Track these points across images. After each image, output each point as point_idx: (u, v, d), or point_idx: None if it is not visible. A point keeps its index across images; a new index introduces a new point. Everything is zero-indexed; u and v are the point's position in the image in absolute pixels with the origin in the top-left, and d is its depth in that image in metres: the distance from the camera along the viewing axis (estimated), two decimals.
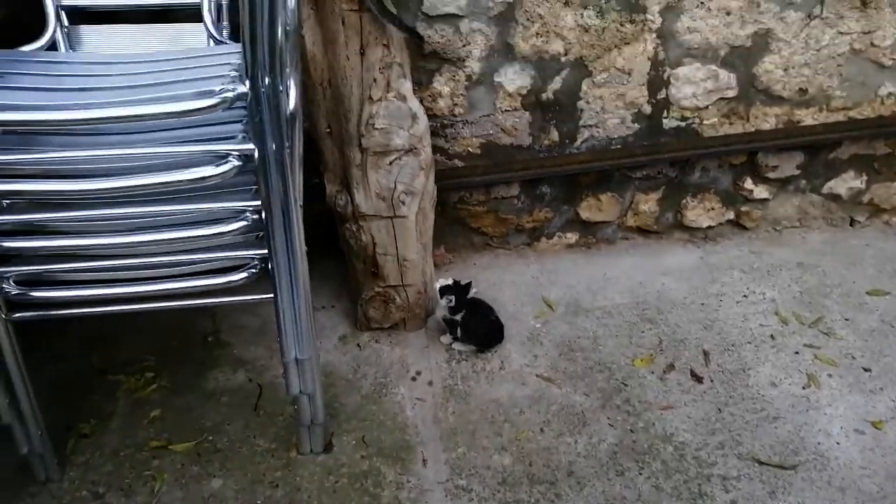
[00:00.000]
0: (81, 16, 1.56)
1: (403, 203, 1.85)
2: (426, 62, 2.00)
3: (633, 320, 2.12)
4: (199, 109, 1.14)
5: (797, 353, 1.99)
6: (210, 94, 1.16)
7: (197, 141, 1.23)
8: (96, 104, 1.14)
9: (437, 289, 1.88)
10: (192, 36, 1.57)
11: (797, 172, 2.36)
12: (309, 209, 1.37)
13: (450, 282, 1.89)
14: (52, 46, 1.49)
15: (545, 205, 2.31)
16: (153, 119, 1.14)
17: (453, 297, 1.87)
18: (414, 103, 1.77)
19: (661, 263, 2.37)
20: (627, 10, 2.01)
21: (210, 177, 1.21)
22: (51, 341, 1.92)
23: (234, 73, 1.26)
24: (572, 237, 2.40)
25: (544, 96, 2.11)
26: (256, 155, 1.24)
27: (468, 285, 1.90)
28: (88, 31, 1.54)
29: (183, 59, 1.40)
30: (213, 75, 1.27)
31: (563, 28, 2.01)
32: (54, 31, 1.48)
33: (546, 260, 2.38)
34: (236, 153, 1.24)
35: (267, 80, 1.18)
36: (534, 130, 2.16)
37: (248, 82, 1.18)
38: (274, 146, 1.24)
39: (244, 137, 1.27)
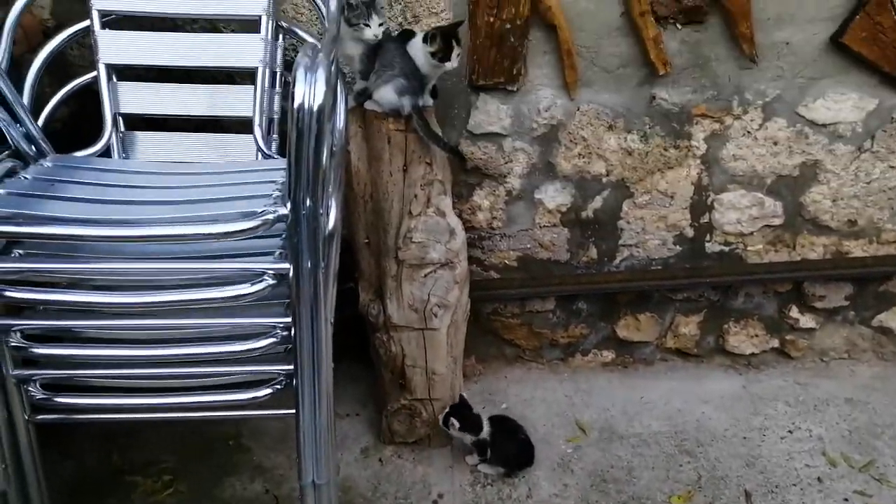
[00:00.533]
0: (137, 122, 1.61)
1: (436, 315, 1.82)
2: (468, 176, 2.02)
3: (670, 451, 2.01)
4: (239, 231, 1.15)
5: (846, 500, 1.85)
6: (251, 215, 1.17)
7: (233, 256, 1.23)
8: (139, 221, 1.15)
9: (441, 416, 1.84)
10: (241, 147, 1.61)
11: (845, 303, 2.27)
12: (340, 312, 1.35)
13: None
14: (107, 151, 1.54)
15: (581, 321, 2.26)
16: (193, 240, 1.15)
17: (457, 422, 1.80)
18: (453, 219, 1.78)
19: (702, 389, 2.28)
20: (672, 135, 2.02)
21: (244, 295, 1.21)
22: (69, 437, 1.90)
23: (277, 193, 1.28)
24: (608, 355, 2.33)
25: (584, 214, 2.10)
26: (291, 274, 1.24)
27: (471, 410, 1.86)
28: (143, 138, 1.59)
29: (229, 172, 1.43)
30: (257, 194, 1.28)
31: (606, 150, 2.02)
32: (110, 137, 1.53)
33: (580, 377, 2.30)
34: (272, 272, 1.24)
35: (308, 202, 1.19)
36: (572, 247, 2.14)
37: (289, 204, 1.19)
38: (309, 264, 1.23)
39: (281, 255, 1.27)
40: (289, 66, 1.79)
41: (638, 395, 2.24)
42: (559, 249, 2.14)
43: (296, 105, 1.11)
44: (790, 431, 2.08)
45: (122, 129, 1.58)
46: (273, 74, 1.62)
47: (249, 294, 1.21)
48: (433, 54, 1.63)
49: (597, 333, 2.30)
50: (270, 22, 1.56)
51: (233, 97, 1.60)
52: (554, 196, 2.06)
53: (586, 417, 2.12)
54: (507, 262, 2.14)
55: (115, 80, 1.55)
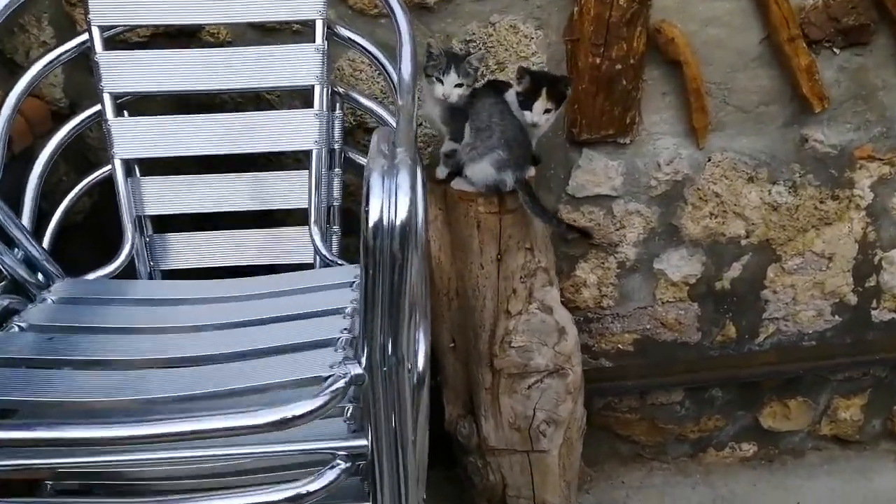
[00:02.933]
0: (167, 220, 1.30)
1: (544, 435, 1.44)
2: (568, 247, 1.64)
3: None
4: (297, 418, 0.81)
5: None
6: (314, 385, 0.83)
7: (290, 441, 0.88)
8: (163, 409, 0.83)
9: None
10: (295, 243, 1.28)
11: None
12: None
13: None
14: (131, 263, 1.24)
15: (715, 411, 1.84)
16: (237, 433, 0.81)
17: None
18: (562, 315, 1.40)
19: (869, 487, 1.82)
20: (829, 185, 1.59)
21: (308, 494, 0.86)
22: None
23: (346, 335, 0.93)
24: (749, 448, 1.90)
25: (718, 285, 1.69)
26: (369, 451, 0.89)
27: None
28: (174, 241, 1.29)
29: (282, 295, 1.10)
30: (320, 338, 0.94)
31: (746, 207, 1.61)
32: (132, 249, 1.22)
33: (716, 478, 1.87)
34: (343, 452, 0.89)
35: (389, 351, 0.84)
36: (703, 325, 1.73)
37: (364, 360, 0.84)
38: (395, 436, 0.89)
39: (352, 423, 0.92)
40: (349, 133, 1.46)
41: (791, 498, 1.80)
42: (687, 329, 1.73)
43: (370, 224, 0.77)
44: None
45: (150, 231, 1.28)
46: (330, 153, 1.29)
47: (315, 492, 0.87)
48: (518, 94, 1.29)
49: (734, 423, 1.87)
50: (325, 91, 1.22)
51: (282, 183, 1.28)
52: (679, 265, 1.66)
53: None
54: (620, 346, 1.74)
55: (137, 174, 1.25)
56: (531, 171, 1.33)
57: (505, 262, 1.34)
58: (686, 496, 1.82)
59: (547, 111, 1.29)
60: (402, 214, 0.79)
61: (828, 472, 1.88)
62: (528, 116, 1.29)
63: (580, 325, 1.71)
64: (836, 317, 1.74)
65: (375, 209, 0.79)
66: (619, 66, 1.44)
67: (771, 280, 1.69)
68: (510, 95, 1.31)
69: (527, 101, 1.28)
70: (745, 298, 1.71)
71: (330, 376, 0.84)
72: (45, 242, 1.20)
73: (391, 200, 0.80)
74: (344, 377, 0.84)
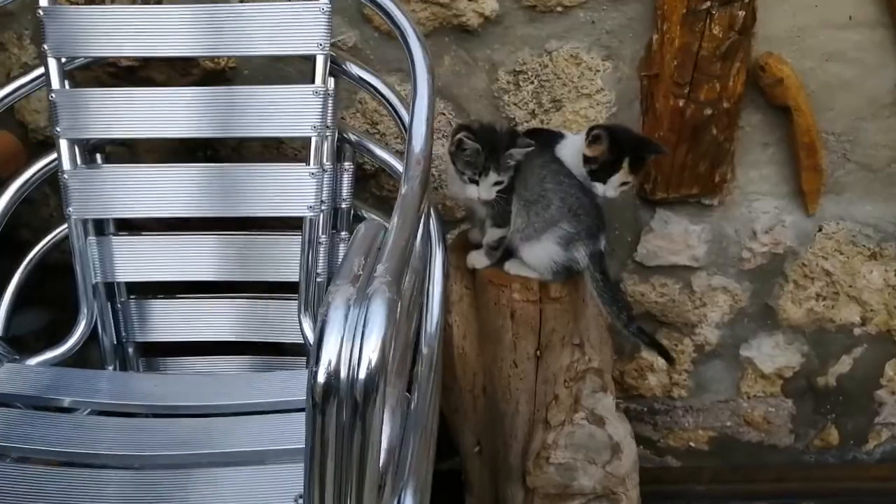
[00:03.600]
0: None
1: None
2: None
3: None
4: None
5: None
6: None
7: None
8: None
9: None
10: (283, 319, 1.05)
11: None
12: None
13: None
14: (96, 336, 1.03)
15: None
16: None
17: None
18: (618, 428, 1.11)
19: None
20: None
21: None
22: None
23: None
24: None
25: (822, 381, 1.36)
26: None
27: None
28: (141, 311, 1.07)
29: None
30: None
31: (864, 289, 1.27)
32: (90, 324, 1.01)
33: None
34: None
35: None
36: (798, 426, 1.40)
37: None
38: None
39: None
40: (373, 177, 1.22)
41: None
42: (778, 429, 1.40)
43: (318, 381, 0.55)
44: None
45: (122, 297, 1.07)
46: (335, 211, 1.05)
47: None
48: (588, 160, 0.99)
49: None
50: (327, 142, 0.97)
51: (273, 250, 1.04)
52: (773, 354, 1.34)
53: None
54: (692, 444, 1.43)
55: (104, 232, 1.03)
56: (604, 243, 1.05)
57: (545, 361, 1.06)
58: None
59: (624, 183, 1.01)
60: (367, 366, 0.54)
61: None
62: (600, 189, 1.01)
63: (642, 415, 1.42)
64: None
65: (329, 356, 0.54)
66: (708, 112, 1.13)
67: (889, 378, 1.35)
68: (566, 150, 1.03)
69: (602, 173, 1.00)
70: (854, 398, 1.37)
71: None
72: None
73: (353, 347, 0.55)
74: None
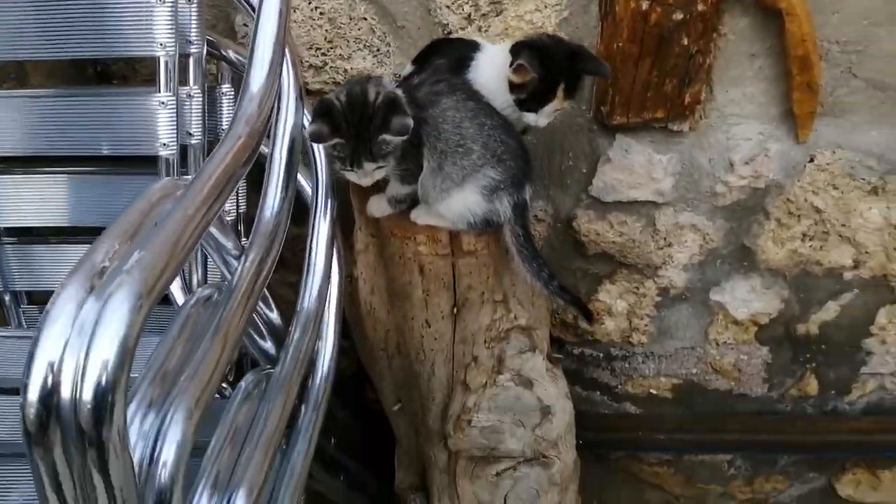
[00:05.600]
0: None
1: None
2: (589, 264, 1.18)
3: None
4: None
5: None
6: None
7: None
8: None
9: None
10: None
11: None
12: None
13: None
14: None
15: (777, 472, 1.40)
16: None
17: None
18: (548, 390, 0.97)
19: None
20: None
21: None
22: None
23: None
24: None
25: (802, 328, 1.20)
26: None
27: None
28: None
29: None
30: None
31: (859, 229, 1.08)
32: None
33: None
34: None
35: None
36: (773, 375, 1.26)
37: None
38: None
39: None
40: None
41: None
42: (750, 378, 1.27)
43: (28, 398, 0.44)
44: None
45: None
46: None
47: None
48: (515, 87, 0.80)
49: (801, 485, 1.42)
50: (193, 61, 0.78)
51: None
52: (748, 299, 1.18)
53: None
54: (654, 391, 1.31)
55: None
56: (529, 192, 0.86)
57: (463, 320, 0.91)
58: None
59: (558, 109, 0.82)
60: (99, 376, 0.41)
61: None
62: (530, 119, 0.83)
63: (600, 361, 1.28)
64: None
65: (44, 363, 0.41)
66: (678, 16, 0.91)
67: (882, 326, 1.19)
68: (483, 70, 0.84)
69: (532, 103, 0.80)
70: (838, 347, 1.22)
71: None
72: None
73: (82, 353, 0.41)
74: None
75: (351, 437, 1.33)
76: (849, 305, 1.17)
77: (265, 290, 0.80)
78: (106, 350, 0.42)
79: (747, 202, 1.08)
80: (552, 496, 1.06)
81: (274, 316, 0.83)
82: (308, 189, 0.86)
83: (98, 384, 0.42)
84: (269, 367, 0.77)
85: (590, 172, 1.08)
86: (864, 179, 1.04)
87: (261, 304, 0.82)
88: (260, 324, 0.80)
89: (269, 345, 0.81)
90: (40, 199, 0.86)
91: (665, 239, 1.12)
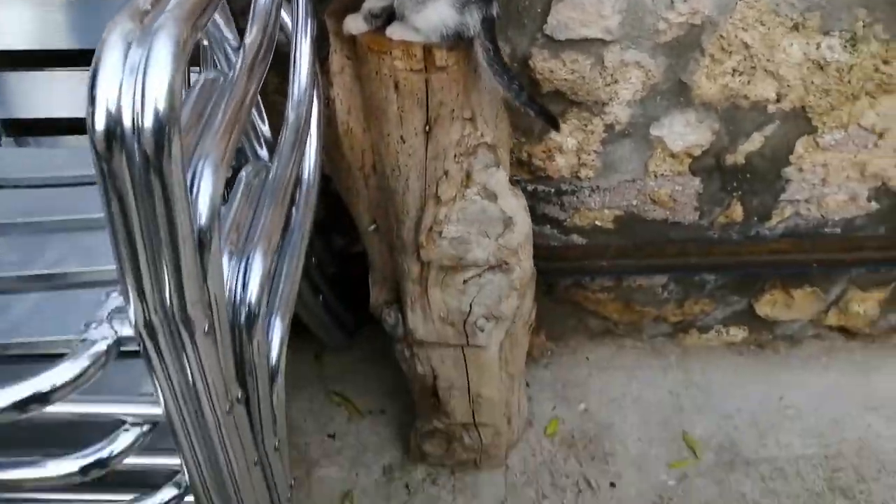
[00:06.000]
0: None
1: (482, 330, 1.23)
2: (543, 103, 1.29)
3: (817, 488, 1.44)
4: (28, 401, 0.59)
5: None
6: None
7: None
8: None
9: None
10: None
11: None
12: None
13: None
14: None
15: (704, 295, 1.60)
16: None
17: None
18: (509, 202, 1.11)
19: (870, 388, 1.63)
20: None
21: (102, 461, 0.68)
22: None
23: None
24: (738, 333, 1.68)
25: (730, 159, 1.35)
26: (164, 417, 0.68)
27: None
28: None
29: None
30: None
31: (782, 64, 1.22)
32: None
33: (693, 363, 1.69)
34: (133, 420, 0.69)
35: (168, 302, 0.60)
36: (703, 203, 1.42)
37: (133, 312, 0.60)
38: (194, 408, 0.68)
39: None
40: None
41: (776, 393, 1.62)
42: (683, 207, 1.43)
43: (98, 128, 0.51)
44: None
45: None
46: None
47: (110, 459, 0.68)
48: None
49: (725, 308, 1.63)
50: None
51: None
52: (683, 133, 1.31)
53: (699, 430, 1.55)
54: (598, 223, 1.46)
55: None
56: (497, 8, 0.96)
57: (435, 136, 1.02)
58: (656, 379, 1.65)
59: None
60: (155, 110, 0.51)
61: (825, 366, 1.67)
62: None
63: (550, 196, 1.42)
64: (873, 203, 1.41)
65: (106, 96, 0.50)
66: None
67: (799, 156, 1.35)
68: None
69: None
70: (763, 176, 1.38)
71: (84, 339, 0.61)
72: None
73: (136, 89, 0.51)
74: (102, 341, 0.60)
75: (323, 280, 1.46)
76: (771, 136, 1.32)
77: (259, 101, 0.90)
78: (156, 88, 0.51)
79: (685, 39, 1.20)
80: (512, 301, 1.22)
81: (265, 128, 0.93)
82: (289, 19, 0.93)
83: (155, 117, 0.52)
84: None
85: (544, 11, 1.17)
86: (786, 15, 1.17)
87: (255, 116, 0.91)
88: (256, 134, 0.90)
89: (264, 151, 0.91)
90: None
91: (612, 76, 1.24)
